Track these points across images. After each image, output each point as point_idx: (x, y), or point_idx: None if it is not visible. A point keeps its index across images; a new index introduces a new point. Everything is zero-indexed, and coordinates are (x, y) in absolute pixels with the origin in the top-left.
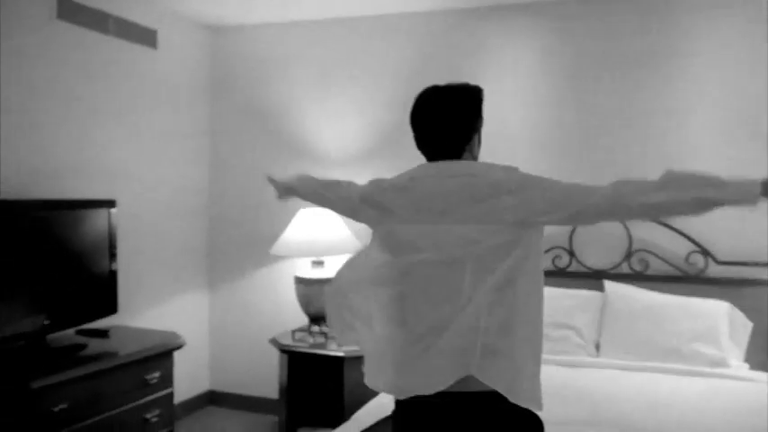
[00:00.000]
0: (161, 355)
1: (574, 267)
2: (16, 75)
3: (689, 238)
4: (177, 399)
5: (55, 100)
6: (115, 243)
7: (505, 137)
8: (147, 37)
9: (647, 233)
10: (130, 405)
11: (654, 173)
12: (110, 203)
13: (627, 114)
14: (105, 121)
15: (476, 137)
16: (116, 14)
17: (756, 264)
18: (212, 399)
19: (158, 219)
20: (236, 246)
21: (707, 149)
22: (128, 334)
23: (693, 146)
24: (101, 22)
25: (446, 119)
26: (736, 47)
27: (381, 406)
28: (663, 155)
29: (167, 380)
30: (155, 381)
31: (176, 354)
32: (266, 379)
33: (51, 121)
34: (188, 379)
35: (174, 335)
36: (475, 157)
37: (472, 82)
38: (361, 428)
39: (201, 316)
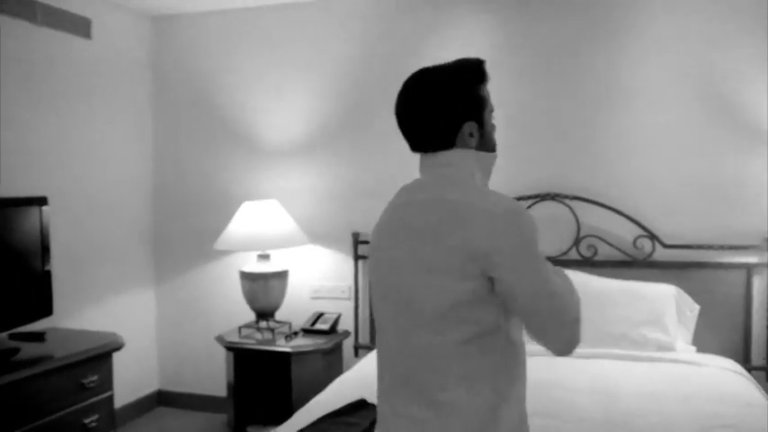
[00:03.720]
0: (99, 357)
1: None
2: None
3: (636, 223)
4: (125, 400)
5: None
6: (48, 242)
7: None
8: (80, 26)
9: (596, 219)
10: (67, 410)
11: (595, 159)
12: (41, 200)
13: (569, 96)
14: (37, 115)
15: (467, 125)
16: (45, 2)
17: (702, 246)
18: (161, 399)
19: (99, 215)
20: (182, 240)
21: (649, 131)
22: (65, 336)
23: (636, 129)
24: (28, 10)
25: (414, 107)
26: (694, 20)
27: (325, 402)
28: (604, 139)
29: (107, 382)
30: (93, 384)
31: (123, 354)
32: (215, 377)
33: None
34: (135, 379)
35: (113, 335)
36: (467, 146)
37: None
38: (302, 426)
39: (148, 314)
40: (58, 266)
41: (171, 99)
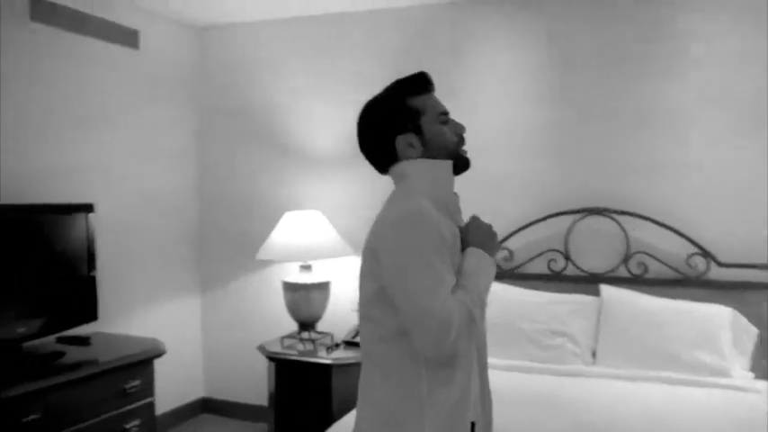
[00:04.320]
0: (140, 363)
1: (570, 271)
2: None
3: (689, 240)
4: (169, 406)
5: (31, 104)
6: (94, 248)
7: (497, 132)
8: (128, 37)
9: (646, 235)
10: (108, 415)
11: (646, 172)
12: (87, 207)
13: (618, 110)
14: (86, 123)
15: (402, 139)
16: (94, 15)
17: (757, 266)
18: (206, 406)
19: (146, 223)
20: (228, 249)
21: (704, 145)
22: (109, 341)
23: (689, 143)
24: (78, 22)
25: (358, 134)
26: (737, 36)
27: None
28: (656, 153)
29: (148, 388)
30: (134, 390)
31: (168, 360)
32: (258, 386)
33: (28, 126)
34: (181, 386)
35: (155, 342)
36: (409, 157)
37: (462, 81)
38: None
39: (194, 321)
40: (105, 272)
41: (217, 108)
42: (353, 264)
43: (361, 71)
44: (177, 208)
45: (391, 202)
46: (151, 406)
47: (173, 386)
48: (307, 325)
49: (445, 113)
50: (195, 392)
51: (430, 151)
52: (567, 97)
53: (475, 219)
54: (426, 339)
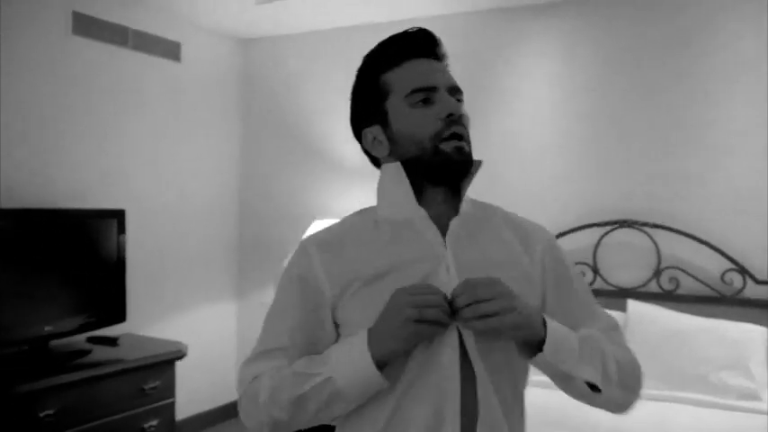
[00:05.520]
0: (162, 364)
1: (597, 284)
2: (33, 90)
3: (724, 255)
4: (201, 408)
5: (75, 115)
6: (124, 253)
7: (532, 143)
8: (170, 50)
9: (679, 249)
10: (128, 413)
11: (680, 185)
12: (119, 213)
13: (654, 122)
14: (130, 134)
15: (367, 132)
16: (136, 28)
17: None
18: (237, 411)
19: (186, 230)
20: (263, 256)
21: (741, 159)
22: (136, 342)
23: (726, 157)
24: (119, 35)
25: None
26: None
27: None
28: (691, 165)
29: (169, 389)
30: (154, 390)
31: (203, 365)
32: None
33: (73, 137)
34: (213, 389)
35: (178, 344)
36: (380, 161)
37: (503, 89)
38: None
39: (230, 327)
40: (140, 277)
41: (257, 118)
42: None
43: None
44: (217, 215)
45: None
46: (171, 406)
47: (205, 390)
48: None
49: (421, 89)
50: (227, 396)
51: (398, 148)
52: (602, 109)
53: (413, 288)
54: None
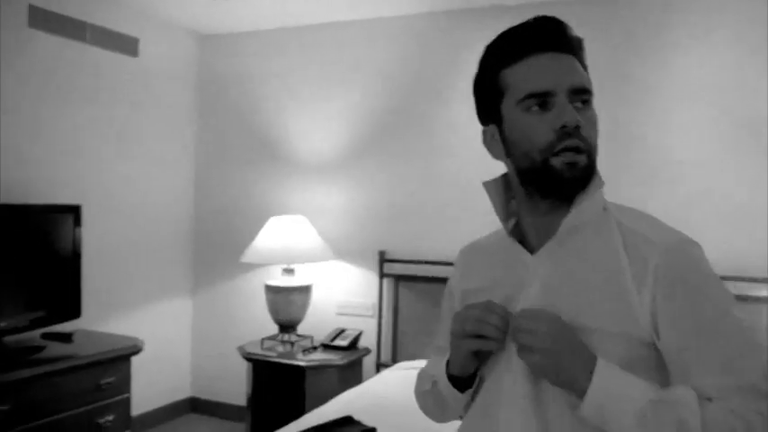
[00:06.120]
0: (117, 360)
1: None
2: None
3: None
4: (157, 404)
5: (28, 109)
6: (80, 248)
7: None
8: (127, 45)
9: None
10: (83, 408)
11: (636, 185)
12: (75, 209)
13: (610, 123)
14: (86, 129)
15: (487, 130)
16: (93, 22)
17: (744, 279)
18: (193, 406)
19: (141, 225)
20: (218, 252)
21: (698, 155)
22: (91, 338)
23: (684, 152)
24: (77, 30)
25: None
26: (732, 44)
27: (320, 415)
28: (646, 166)
29: (124, 385)
30: (110, 385)
31: (159, 360)
32: (241, 387)
33: (25, 131)
34: (169, 385)
35: (134, 340)
36: (497, 156)
37: (457, 89)
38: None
39: (185, 323)
40: (95, 273)
41: (213, 114)
42: (335, 268)
43: (354, 80)
44: (173, 211)
45: None
46: (127, 402)
47: (161, 385)
48: (287, 327)
49: (535, 95)
50: (183, 392)
51: (512, 155)
52: None
53: (476, 305)
54: None
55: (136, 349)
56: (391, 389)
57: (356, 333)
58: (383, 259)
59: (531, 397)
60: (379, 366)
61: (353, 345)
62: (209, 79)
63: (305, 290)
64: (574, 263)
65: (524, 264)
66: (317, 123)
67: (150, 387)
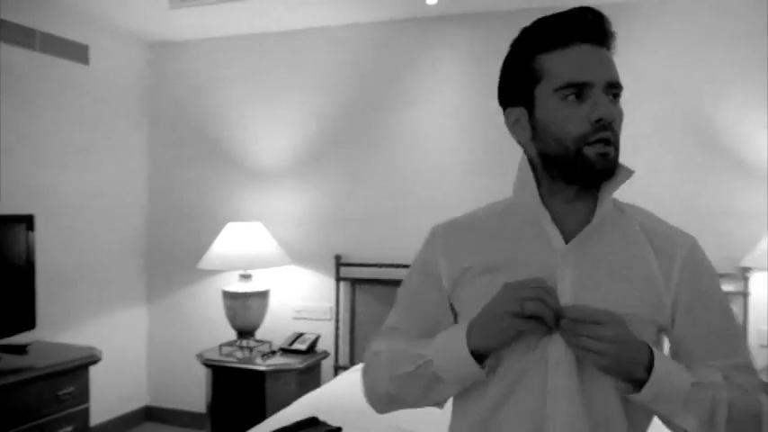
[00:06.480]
0: (75, 370)
1: None
2: None
3: None
4: (113, 414)
5: None
6: (33, 258)
7: (441, 151)
8: (78, 53)
9: None
10: (40, 421)
11: None
12: (28, 219)
13: None
14: (34, 137)
15: (511, 112)
16: (43, 30)
17: None
18: (149, 414)
19: (93, 234)
20: (173, 259)
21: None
22: (47, 349)
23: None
24: (26, 37)
25: None
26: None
27: (282, 418)
28: None
29: (83, 395)
30: (68, 396)
31: (113, 369)
32: (199, 394)
33: None
34: (125, 394)
35: (92, 349)
36: (522, 145)
37: (407, 95)
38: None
39: (140, 331)
40: (49, 283)
41: (167, 122)
42: (292, 273)
43: (308, 87)
44: (126, 220)
45: None
46: (86, 412)
47: (116, 394)
48: (245, 333)
49: (576, 84)
50: (139, 401)
51: (540, 140)
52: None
53: (523, 282)
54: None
55: (94, 359)
56: (351, 390)
57: (314, 337)
58: (339, 263)
59: (577, 390)
60: (338, 369)
61: (312, 348)
62: (162, 87)
63: (263, 295)
64: (604, 250)
65: (550, 247)
66: (271, 130)
67: (106, 397)
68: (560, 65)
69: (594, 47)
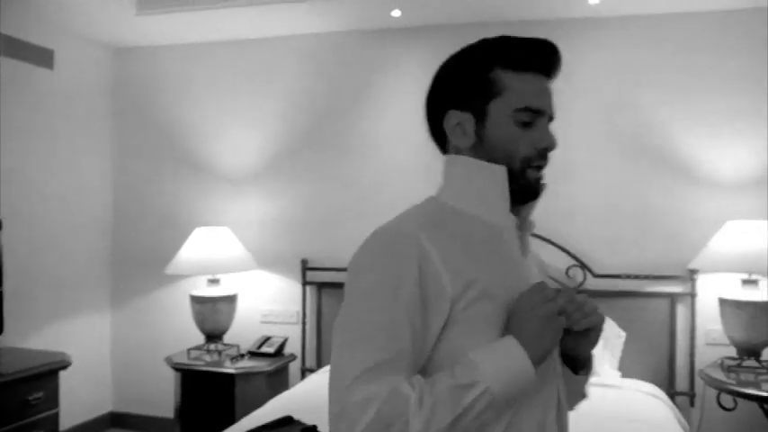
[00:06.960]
0: (45, 375)
1: None
2: None
3: (568, 253)
4: (77, 420)
5: None
6: (1, 263)
7: (405, 155)
8: (42, 57)
9: None
10: (9, 426)
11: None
12: None
13: None
14: (1, 143)
15: (452, 115)
16: (7, 33)
17: (630, 276)
18: (114, 420)
19: (58, 240)
20: (139, 265)
21: (594, 164)
22: (15, 355)
23: (580, 162)
24: None
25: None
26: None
27: (255, 419)
28: (552, 169)
29: (52, 400)
30: (38, 401)
31: (77, 374)
32: (166, 398)
33: None
34: (89, 400)
35: (61, 355)
36: (456, 149)
37: (371, 103)
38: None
39: (104, 336)
40: (16, 287)
41: (131, 127)
42: (260, 277)
43: (273, 93)
44: (92, 225)
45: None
46: (56, 417)
47: (81, 400)
48: (213, 337)
49: (530, 110)
50: (103, 407)
51: (483, 149)
52: None
53: (538, 287)
54: (330, 394)
55: (64, 364)
56: (320, 392)
57: (282, 340)
58: (305, 267)
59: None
60: (305, 371)
61: (280, 351)
62: (127, 92)
63: (230, 299)
64: (536, 258)
65: (515, 261)
66: (237, 136)
67: (70, 403)
68: (520, 88)
69: (546, 79)
